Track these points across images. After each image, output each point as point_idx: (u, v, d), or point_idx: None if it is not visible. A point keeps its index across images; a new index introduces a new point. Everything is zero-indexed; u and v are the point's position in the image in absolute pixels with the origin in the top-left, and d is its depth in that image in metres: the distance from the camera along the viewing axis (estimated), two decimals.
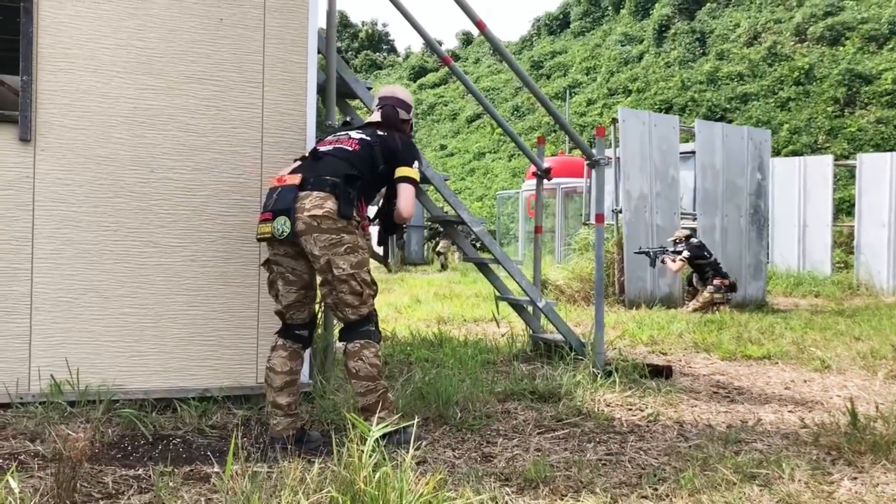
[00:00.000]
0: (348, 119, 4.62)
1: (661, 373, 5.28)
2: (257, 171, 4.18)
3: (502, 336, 6.27)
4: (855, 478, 3.18)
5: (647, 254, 10.23)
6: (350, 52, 58.50)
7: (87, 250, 3.93)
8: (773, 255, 16.02)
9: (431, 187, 5.07)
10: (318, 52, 4.57)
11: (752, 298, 11.36)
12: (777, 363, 6.13)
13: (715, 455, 3.36)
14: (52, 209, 3.88)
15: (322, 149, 3.64)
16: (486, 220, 6.76)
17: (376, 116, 3.89)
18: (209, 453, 3.50)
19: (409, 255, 22.48)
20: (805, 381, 5.41)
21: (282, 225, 3.34)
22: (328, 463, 2.84)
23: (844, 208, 21.05)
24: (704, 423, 4.00)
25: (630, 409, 4.31)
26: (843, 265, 17.01)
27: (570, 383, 4.61)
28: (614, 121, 10.92)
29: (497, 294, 5.72)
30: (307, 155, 3.65)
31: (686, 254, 9.66)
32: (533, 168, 18.92)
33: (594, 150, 5.00)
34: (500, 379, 4.89)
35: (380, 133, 3.76)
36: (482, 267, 5.47)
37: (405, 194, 3.67)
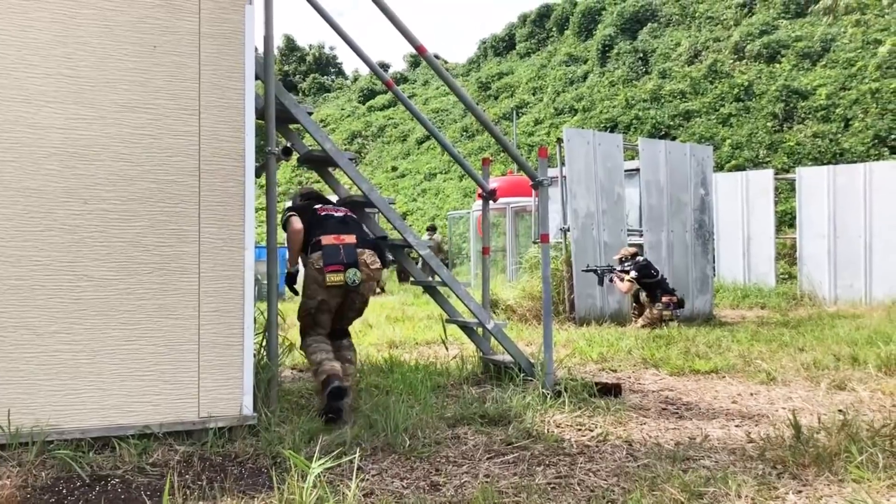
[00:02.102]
0: (289, 145, 4.56)
1: (610, 391, 5.29)
2: (195, 199, 4.09)
3: (452, 359, 6.22)
4: (800, 491, 3.21)
5: (595, 272, 10.32)
6: (297, 76, 58.32)
7: (18, 286, 3.79)
8: (719, 268, 16.30)
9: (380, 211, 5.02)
10: (257, 78, 4.52)
11: (699, 312, 11.53)
12: (724, 377, 6.20)
13: (663, 474, 3.36)
14: None
15: (337, 215, 4.86)
16: (431, 242, 6.71)
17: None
18: (148, 493, 3.39)
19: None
20: (751, 394, 5.47)
21: (353, 275, 4.63)
22: (269, 499, 2.76)
23: (787, 220, 21.55)
24: (653, 442, 4.00)
25: (580, 430, 4.30)
26: (787, 276, 17.42)
27: (520, 405, 4.58)
28: (559, 140, 11.02)
29: (445, 317, 5.69)
30: (320, 215, 4.83)
31: (633, 274, 9.75)
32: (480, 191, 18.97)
33: (537, 171, 5.01)
34: (451, 403, 4.84)
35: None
36: (430, 290, 5.44)
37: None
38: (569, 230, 10.65)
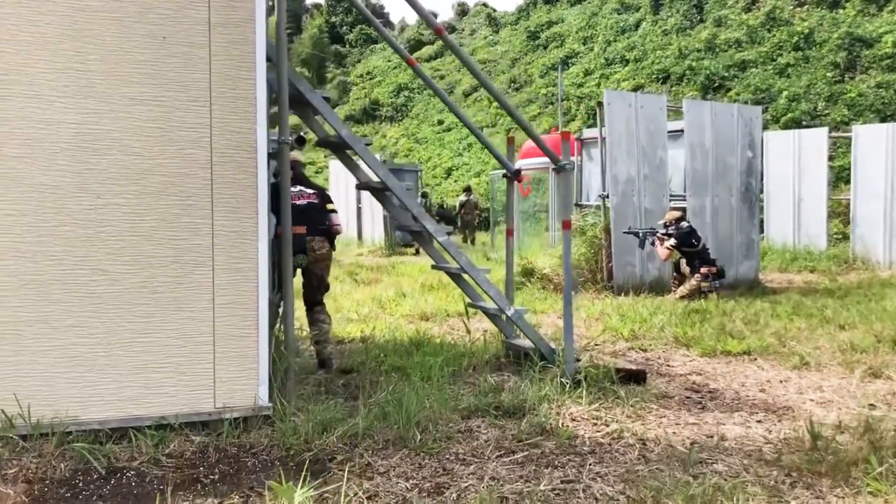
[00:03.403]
0: (303, 133, 4.51)
1: (633, 378, 5.21)
2: (208, 192, 4.08)
3: (475, 341, 6.18)
4: None
5: (636, 234, 10.11)
6: (345, 27, 57.90)
7: (34, 281, 3.85)
8: (768, 230, 15.89)
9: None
10: (269, 60, 4.46)
11: (743, 278, 11.26)
12: (756, 359, 6.05)
13: (670, 483, 3.29)
14: None
15: (299, 203, 5.54)
16: (451, 229, 6.64)
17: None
18: (161, 488, 3.46)
19: (395, 239, 22.41)
20: (781, 382, 5.33)
21: (301, 261, 5.64)
22: None
23: (844, 177, 20.81)
24: (667, 442, 3.92)
25: (595, 424, 4.24)
26: (840, 237, 16.86)
27: (536, 397, 4.54)
28: (600, 104, 10.75)
29: (467, 301, 5.64)
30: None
31: (673, 241, 9.53)
32: (527, 147, 18.61)
33: (560, 155, 4.88)
34: (466, 392, 4.82)
35: (315, 188, 5.89)
36: (453, 275, 5.39)
37: (334, 217, 5.90)
38: (608, 197, 10.44)
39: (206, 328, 4.11)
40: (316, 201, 5.82)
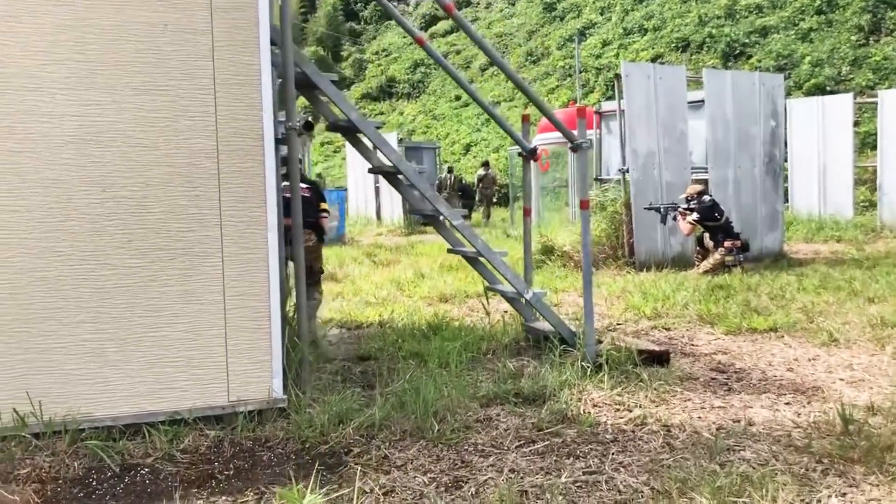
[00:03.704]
0: (310, 118, 4.39)
1: (656, 359, 5.08)
2: (214, 182, 3.99)
3: (494, 323, 6.07)
4: (844, 494, 3.00)
5: (657, 210, 9.93)
6: (359, 4, 57.44)
7: (43, 277, 3.78)
8: (792, 200, 15.60)
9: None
10: (275, 45, 4.34)
11: (768, 251, 11.05)
12: (783, 336, 5.90)
13: (696, 473, 3.18)
14: (2, 238, 3.73)
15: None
16: (466, 212, 6.50)
17: None
18: (175, 485, 3.41)
19: (414, 218, 22.32)
20: (810, 360, 5.19)
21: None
22: None
23: (870, 143, 20.36)
24: (692, 429, 3.80)
25: (618, 410, 4.13)
26: (866, 204, 16.52)
27: (557, 382, 4.43)
28: (617, 76, 10.54)
29: (486, 284, 5.54)
30: None
31: (696, 216, 9.34)
32: (546, 121, 18.40)
33: (576, 132, 4.73)
34: (485, 379, 4.72)
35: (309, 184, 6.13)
36: (470, 259, 5.27)
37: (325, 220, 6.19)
38: (628, 171, 10.25)
39: (218, 320, 4.03)
40: (308, 195, 5.85)
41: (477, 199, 23.30)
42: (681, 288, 7.86)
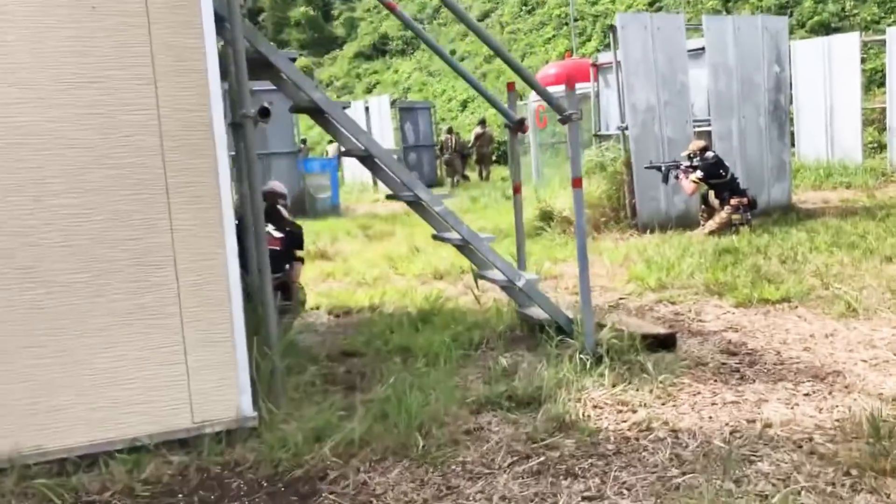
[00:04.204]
0: (267, 104, 3.97)
1: (662, 343, 4.71)
2: (161, 183, 3.58)
3: (487, 310, 5.67)
4: None
5: (658, 169, 9.45)
6: None
7: None
8: (799, 146, 15.08)
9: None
10: (221, 20, 3.89)
11: (776, 203, 10.60)
12: (797, 307, 5.51)
13: (709, 495, 2.81)
14: None
15: None
16: (451, 195, 6.02)
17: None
18: None
19: (420, 178, 21.85)
20: (827, 336, 4.80)
21: None
22: None
23: (877, 80, 19.68)
24: (702, 435, 3.42)
25: (620, 412, 3.76)
26: (875, 146, 15.96)
27: (553, 381, 4.05)
28: (612, 27, 10.00)
29: (475, 270, 5.15)
30: None
31: (700, 174, 8.87)
32: (542, 75, 17.78)
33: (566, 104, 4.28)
34: (477, 378, 4.35)
35: (287, 229, 5.85)
36: (458, 245, 4.86)
37: (297, 268, 5.98)
38: (627, 129, 9.77)
39: (175, 336, 3.65)
40: (279, 248, 5.54)
41: (474, 158, 22.80)
42: (686, 253, 7.44)
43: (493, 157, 23.11)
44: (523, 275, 4.67)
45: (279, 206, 5.83)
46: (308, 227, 12.88)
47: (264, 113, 3.82)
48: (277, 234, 5.63)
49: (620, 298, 6.31)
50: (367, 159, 4.37)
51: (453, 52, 41.01)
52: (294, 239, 5.72)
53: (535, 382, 4.05)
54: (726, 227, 8.65)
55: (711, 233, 8.66)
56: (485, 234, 4.80)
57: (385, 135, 20.23)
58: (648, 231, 9.41)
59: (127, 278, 3.56)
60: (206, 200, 3.65)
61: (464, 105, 35.44)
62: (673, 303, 5.97)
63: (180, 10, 3.57)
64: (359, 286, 7.71)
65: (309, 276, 8.43)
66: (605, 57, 13.26)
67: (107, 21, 3.48)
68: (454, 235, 4.56)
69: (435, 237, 5.02)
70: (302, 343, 5.57)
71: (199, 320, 3.68)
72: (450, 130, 23.19)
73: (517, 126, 5.23)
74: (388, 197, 4.78)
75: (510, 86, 5.30)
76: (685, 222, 9.65)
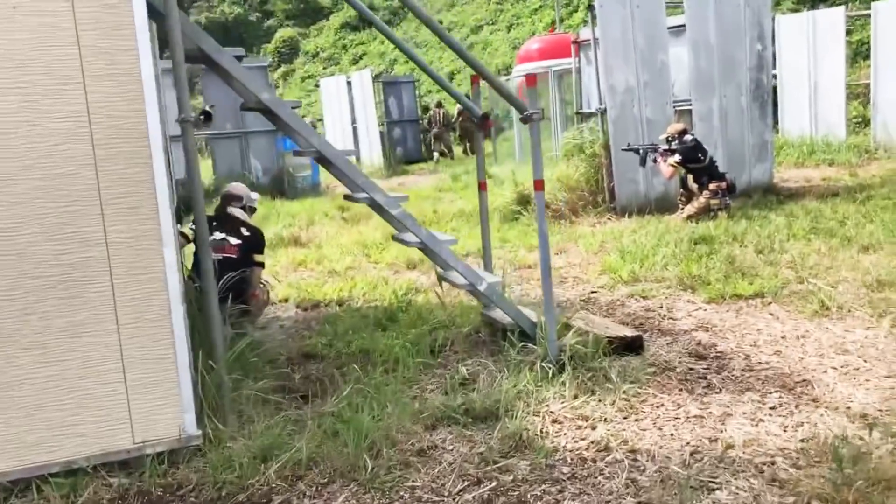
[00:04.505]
0: (210, 108, 3.76)
1: (629, 346, 4.57)
2: (94, 193, 3.38)
3: (453, 308, 5.51)
4: None
5: (636, 151, 9.25)
6: None
7: None
8: (782, 123, 14.91)
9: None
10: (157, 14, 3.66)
11: (757, 183, 10.43)
12: (770, 303, 5.38)
13: None
14: None
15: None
16: (407, 197, 5.80)
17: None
18: None
19: (404, 153, 21.56)
20: (799, 338, 4.67)
21: None
22: None
23: (863, 52, 19.45)
24: (662, 456, 3.29)
25: (580, 428, 3.62)
26: (860, 121, 15.79)
27: (512, 394, 3.91)
28: (591, 7, 9.75)
29: (437, 271, 4.98)
30: None
31: (678, 158, 8.69)
32: (525, 51, 17.49)
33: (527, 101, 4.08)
34: (436, 388, 4.20)
35: (245, 233, 5.57)
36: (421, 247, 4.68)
37: (256, 274, 5.58)
38: (605, 111, 9.57)
39: (113, 353, 3.48)
40: (235, 256, 5.31)
41: (458, 133, 22.55)
42: (661, 242, 7.29)
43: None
44: (485, 278, 4.51)
45: (236, 210, 5.62)
46: (286, 208, 12.75)
47: (206, 117, 3.61)
48: (234, 241, 5.41)
49: (592, 292, 6.17)
50: (321, 160, 4.18)
51: (440, 23, 40.46)
52: (252, 243, 5.51)
53: (493, 395, 3.90)
54: (704, 212, 8.50)
55: (689, 218, 8.52)
56: (447, 235, 4.64)
57: (368, 110, 19.90)
58: (627, 215, 9.27)
59: (60, 294, 3.38)
60: (143, 211, 3.46)
61: (450, 77, 34.98)
62: (645, 297, 5.83)
63: (111, 10, 3.35)
64: (330, 276, 7.54)
65: (281, 263, 8.28)
66: (586, 33, 13.00)
67: (29, 22, 3.26)
68: (413, 238, 4.38)
69: (395, 238, 4.84)
70: (264, 343, 5.44)
71: (139, 336, 3.50)
72: (439, 104, 22.90)
73: (481, 122, 5.03)
74: (346, 197, 4.58)
75: (474, 78, 5.09)
76: (665, 205, 9.51)
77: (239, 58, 3.96)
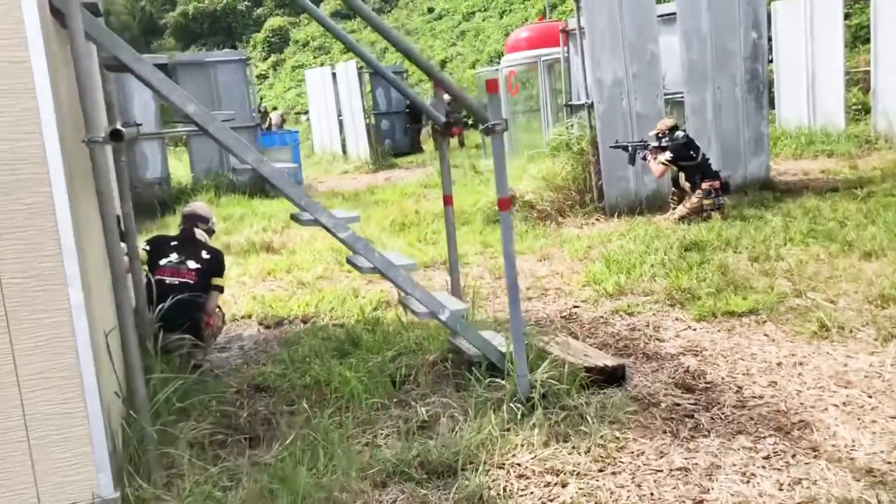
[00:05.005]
0: (117, 126, 3.31)
1: (610, 377, 4.15)
2: None
3: (421, 332, 5.06)
4: None
5: (624, 148, 8.80)
6: None
7: None
8: (779, 113, 14.46)
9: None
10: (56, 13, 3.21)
11: (753, 178, 10.00)
12: (765, 322, 4.95)
13: None
14: None
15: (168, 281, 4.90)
16: (358, 217, 5.41)
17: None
18: None
19: (393, 145, 21.05)
20: (796, 365, 4.24)
21: None
22: None
23: (862, 36, 18.93)
24: None
25: (548, 485, 3.19)
26: (859, 109, 15.29)
27: (475, 441, 3.47)
28: None
29: (400, 296, 4.54)
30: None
31: (668, 155, 8.23)
32: (513, 40, 16.97)
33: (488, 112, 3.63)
34: (391, 433, 3.76)
35: (205, 256, 5.13)
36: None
37: (213, 299, 5.14)
38: (593, 106, 9.11)
39: (13, 409, 3.05)
40: (192, 281, 4.93)
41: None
42: (650, 248, 6.85)
43: (469, 122, 22.36)
44: (448, 306, 4.06)
45: (198, 231, 5.20)
46: (264, 208, 12.28)
47: (115, 136, 3.15)
48: (193, 265, 4.98)
49: (575, 307, 5.74)
50: (260, 177, 3.74)
51: (431, 10, 40.00)
52: (213, 267, 5.07)
53: (453, 444, 3.47)
54: (697, 213, 8.06)
55: (681, 219, 8.08)
56: (405, 258, 4.20)
57: (353, 102, 19.37)
58: (616, 215, 8.85)
59: None
60: (43, 248, 3.01)
61: (442, 65, 34.48)
62: (630, 314, 5.40)
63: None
64: (299, 287, 7.11)
65: (249, 273, 7.85)
66: (573, 23, 12.53)
67: None
68: (366, 264, 3.94)
69: (349, 262, 4.39)
70: (216, 369, 5.03)
71: (43, 388, 3.07)
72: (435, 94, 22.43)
73: (444, 129, 4.57)
74: (292, 218, 4.14)
75: (435, 85, 4.65)
76: (656, 203, 9.09)
77: (161, 66, 3.49)
